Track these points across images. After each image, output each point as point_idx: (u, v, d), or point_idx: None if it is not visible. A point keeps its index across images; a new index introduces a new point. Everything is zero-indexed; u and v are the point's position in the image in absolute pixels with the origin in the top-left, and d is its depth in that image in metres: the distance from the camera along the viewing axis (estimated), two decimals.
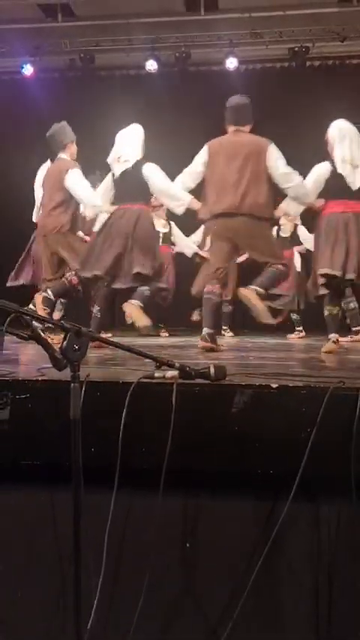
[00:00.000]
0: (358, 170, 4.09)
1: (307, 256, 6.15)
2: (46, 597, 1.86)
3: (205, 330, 3.87)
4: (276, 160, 3.97)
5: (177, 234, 6.51)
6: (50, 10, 7.00)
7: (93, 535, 1.71)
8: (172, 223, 6.54)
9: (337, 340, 4.04)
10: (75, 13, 7.03)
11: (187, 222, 5.40)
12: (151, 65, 7.39)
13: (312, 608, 1.78)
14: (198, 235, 5.97)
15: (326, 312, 4.11)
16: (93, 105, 7.39)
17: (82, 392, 1.59)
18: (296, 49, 7.28)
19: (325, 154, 4.23)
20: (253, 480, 1.79)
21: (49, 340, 1.56)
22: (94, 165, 5.77)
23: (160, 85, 7.36)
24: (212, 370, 1.82)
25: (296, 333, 6.62)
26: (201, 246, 5.28)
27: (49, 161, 5.46)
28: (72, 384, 1.49)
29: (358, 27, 6.85)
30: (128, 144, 4.54)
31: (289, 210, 4.46)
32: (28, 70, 7.45)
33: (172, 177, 4.42)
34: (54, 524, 1.86)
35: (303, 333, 6.57)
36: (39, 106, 7.29)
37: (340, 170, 4.08)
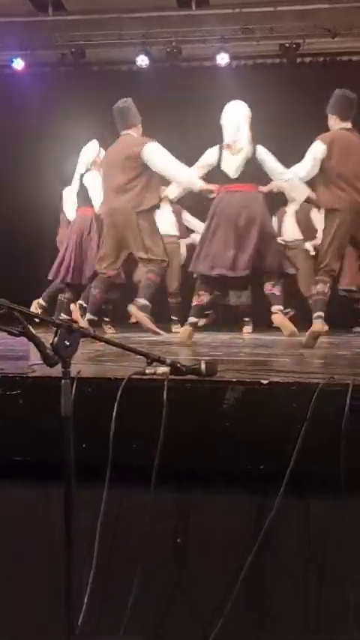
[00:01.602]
0: None
1: None
2: (37, 593, 1.86)
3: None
4: None
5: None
6: (41, 4, 6.95)
7: (84, 531, 1.72)
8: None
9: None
10: (66, 7, 6.99)
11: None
12: (142, 60, 7.36)
13: (302, 603, 1.80)
14: None
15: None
16: (84, 99, 7.36)
17: (73, 388, 1.59)
18: (287, 45, 7.27)
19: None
20: (244, 476, 1.80)
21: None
22: None
23: (152, 80, 7.34)
24: (203, 366, 1.83)
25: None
26: None
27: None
28: (63, 381, 1.49)
29: (348, 24, 6.85)
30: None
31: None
32: (18, 64, 7.40)
33: None
34: (45, 520, 1.86)
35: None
36: (29, 100, 7.26)
37: None
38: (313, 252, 5.70)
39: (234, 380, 1.84)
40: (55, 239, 6.33)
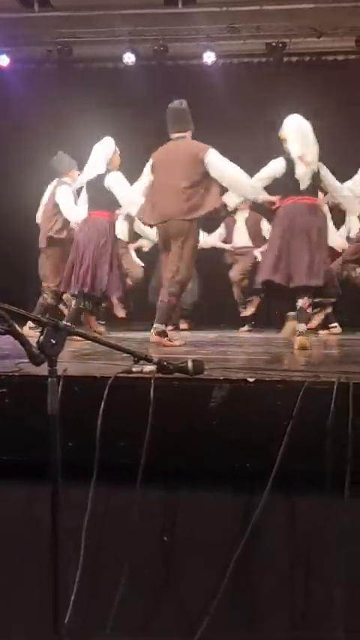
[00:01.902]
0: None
1: None
2: (24, 591, 1.85)
3: None
4: None
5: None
6: (27, 0, 6.90)
7: (71, 530, 1.71)
8: None
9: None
10: (52, 3, 6.94)
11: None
12: (129, 58, 7.34)
13: (288, 600, 1.81)
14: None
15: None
16: (70, 97, 7.32)
17: (60, 387, 1.59)
18: (273, 44, 7.30)
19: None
20: (231, 474, 1.80)
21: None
22: (72, 158, 5.74)
23: (138, 78, 7.32)
24: (190, 365, 1.83)
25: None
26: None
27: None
28: (49, 379, 1.49)
29: (334, 24, 6.89)
30: None
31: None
32: (4, 60, 7.35)
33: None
34: (32, 518, 1.86)
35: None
36: (15, 97, 7.21)
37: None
38: (260, 259, 5.88)
39: (221, 378, 1.85)
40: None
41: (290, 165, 4.14)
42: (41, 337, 1.46)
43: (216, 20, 6.98)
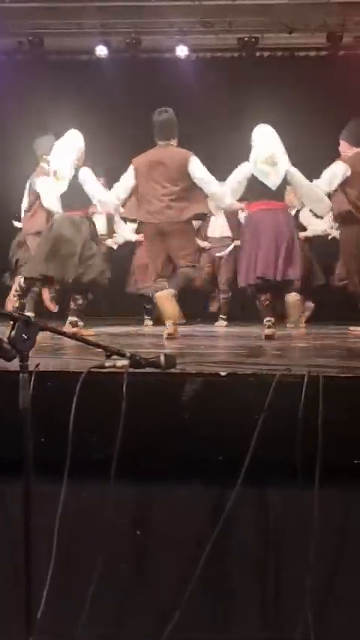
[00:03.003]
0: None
1: None
2: None
3: None
4: None
5: None
6: None
7: (44, 525, 1.71)
8: None
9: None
10: None
11: None
12: (101, 50, 7.29)
13: (260, 591, 1.83)
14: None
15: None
16: (42, 89, 7.24)
17: (32, 382, 1.58)
18: (245, 39, 7.31)
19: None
20: (203, 467, 1.82)
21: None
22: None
23: (111, 70, 7.27)
24: (162, 359, 1.84)
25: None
26: None
27: None
28: (21, 375, 1.48)
29: (306, 20, 6.93)
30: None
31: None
32: None
33: (119, 161, 4.43)
34: (4, 514, 1.85)
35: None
36: None
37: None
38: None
39: (193, 372, 1.86)
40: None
41: (257, 168, 4.25)
42: (12, 332, 1.45)
43: (188, 14, 6.96)
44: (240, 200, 4.49)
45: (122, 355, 1.82)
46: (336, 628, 1.79)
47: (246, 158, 4.36)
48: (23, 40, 7.34)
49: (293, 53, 7.51)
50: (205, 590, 1.78)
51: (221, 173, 4.51)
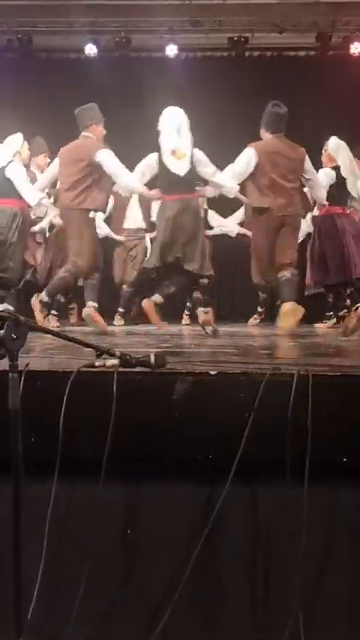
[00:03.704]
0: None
1: None
2: None
3: None
4: None
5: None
6: None
7: (33, 525, 1.70)
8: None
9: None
10: None
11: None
12: (91, 49, 7.27)
13: (250, 590, 1.84)
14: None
15: None
16: (32, 87, 7.21)
17: (21, 382, 1.58)
18: (235, 38, 7.33)
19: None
20: (193, 466, 1.82)
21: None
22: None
23: (101, 69, 7.25)
24: (152, 358, 1.84)
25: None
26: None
27: None
28: (10, 374, 1.47)
29: (295, 20, 6.95)
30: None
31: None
32: None
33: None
34: None
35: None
36: None
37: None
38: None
39: (183, 371, 1.86)
40: None
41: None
42: (1, 332, 1.44)
43: (178, 13, 6.96)
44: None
45: (112, 354, 1.82)
46: (325, 626, 1.80)
47: (234, 156, 4.37)
48: (12, 37, 7.31)
49: (283, 53, 7.54)
50: (195, 589, 1.78)
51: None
